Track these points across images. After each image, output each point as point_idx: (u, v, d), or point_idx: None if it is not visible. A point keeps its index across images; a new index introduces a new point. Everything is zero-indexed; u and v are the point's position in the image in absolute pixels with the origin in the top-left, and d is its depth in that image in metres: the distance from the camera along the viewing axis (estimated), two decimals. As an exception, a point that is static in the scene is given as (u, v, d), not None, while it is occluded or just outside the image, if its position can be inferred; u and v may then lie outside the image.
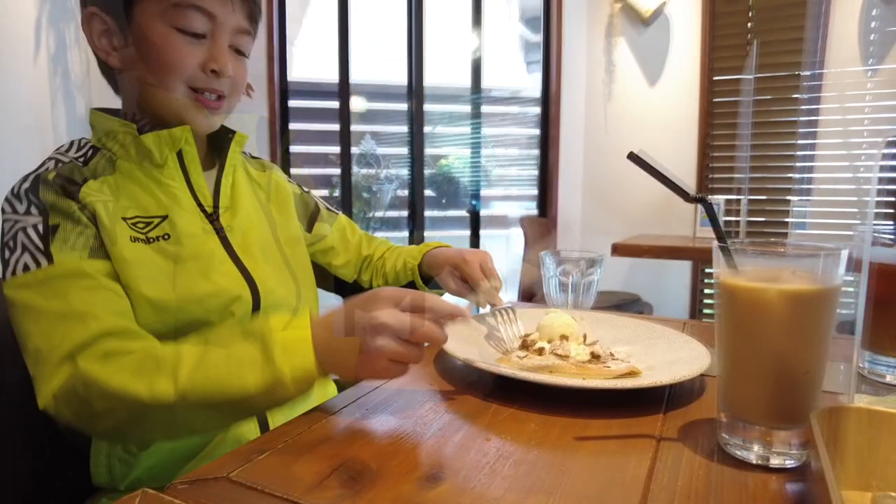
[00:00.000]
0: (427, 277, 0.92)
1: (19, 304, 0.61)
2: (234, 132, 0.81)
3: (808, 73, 2.66)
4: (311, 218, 0.94)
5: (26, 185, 0.66)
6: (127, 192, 0.70)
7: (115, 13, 0.71)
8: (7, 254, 0.62)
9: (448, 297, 0.84)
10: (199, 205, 0.74)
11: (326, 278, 0.97)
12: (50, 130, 1.82)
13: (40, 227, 0.63)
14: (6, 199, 0.66)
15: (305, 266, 0.86)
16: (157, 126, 0.72)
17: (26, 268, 0.61)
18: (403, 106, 2.84)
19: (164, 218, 0.70)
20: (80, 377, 0.57)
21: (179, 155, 0.74)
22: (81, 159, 0.70)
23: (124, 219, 0.67)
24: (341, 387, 0.65)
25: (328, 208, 0.98)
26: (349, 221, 1.01)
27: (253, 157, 0.91)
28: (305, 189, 0.97)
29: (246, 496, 0.40)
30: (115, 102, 0.78)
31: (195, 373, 0.55)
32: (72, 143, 0.73)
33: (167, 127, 0.72)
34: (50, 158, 0.69)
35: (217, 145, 0.82)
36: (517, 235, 2.87)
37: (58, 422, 0.59)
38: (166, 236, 0.69)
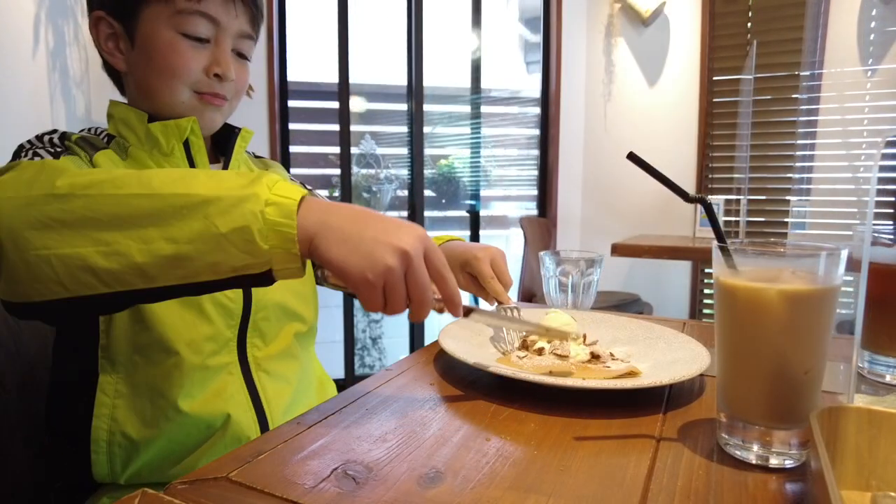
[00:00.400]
0: None
1: None
2: (239, 129, 0.82)
3: (807, 73, 2.66)
4: None
5: (49, 134, 0.69)
6: None
7: (121, 18, 0.72)
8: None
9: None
10: None
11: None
12: (49, 127, 1.81)
13: (52, 151, 0.66)
14: (26, 140, 0.68)
15: None
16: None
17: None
18: (403, 106, 2.84)
19: None
20: (39, 164, 0.54)
21: (187, 147, 0.75)
22: None
23: None
24: (341, 387, 0.65)
25: None
26: None
27: (256, 157, 0.92)
28: (308, 187, 0.97)
29: (246, 496, 0.40)
30: (117, 99, 0.78)
31: (167, 174, 0.51)
32: (89, 130, 0.74)
33: None
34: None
35: (222, 142, 0.82)
36: (517, 236, 2.87)
37: None
38: None
